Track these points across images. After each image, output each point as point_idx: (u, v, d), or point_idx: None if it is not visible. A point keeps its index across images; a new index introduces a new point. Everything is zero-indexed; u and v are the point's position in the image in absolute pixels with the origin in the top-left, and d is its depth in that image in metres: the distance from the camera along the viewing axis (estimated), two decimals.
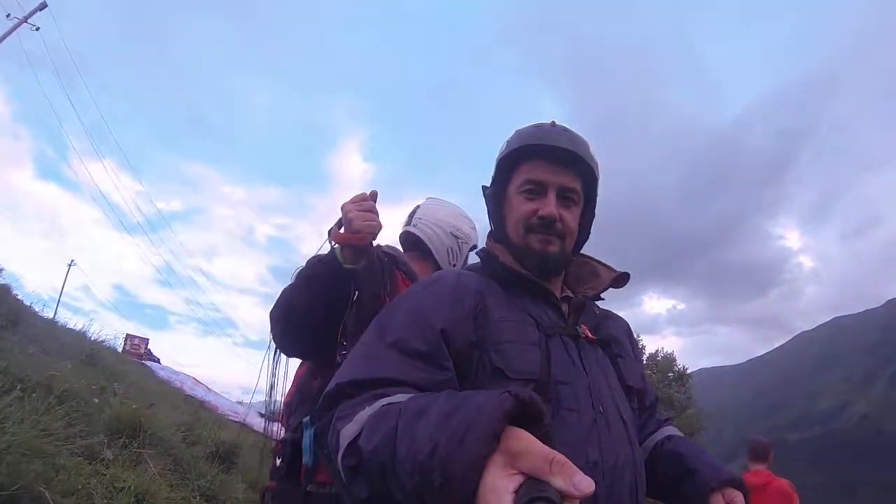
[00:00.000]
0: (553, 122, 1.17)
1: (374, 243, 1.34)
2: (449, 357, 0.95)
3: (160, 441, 5.65)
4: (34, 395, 4.36)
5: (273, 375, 1.54)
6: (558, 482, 0.51)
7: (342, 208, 1.32)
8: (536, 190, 1.12)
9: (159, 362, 19.40)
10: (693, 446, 1.22)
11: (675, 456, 1.18)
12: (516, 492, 0.52)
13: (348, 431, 0.76)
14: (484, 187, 1.24)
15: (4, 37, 13.44)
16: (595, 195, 1.20)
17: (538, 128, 1.15)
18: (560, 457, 0.53)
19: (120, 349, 16.73)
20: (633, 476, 1.01)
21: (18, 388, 4.14)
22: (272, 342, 1.46)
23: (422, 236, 1.71)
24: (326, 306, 1.29)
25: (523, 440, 0.56)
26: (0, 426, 3.15)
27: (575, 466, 0.52)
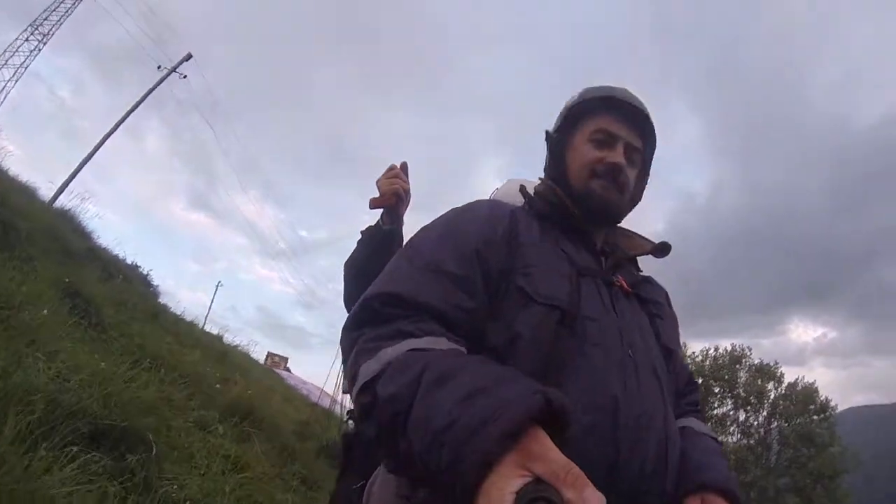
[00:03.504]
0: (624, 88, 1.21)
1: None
2: (481, 281, 0.93)
3: (271, 427, 6.04)
4: (162, 371, 4.90)
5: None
6: (569, 493, 0.52)
7: (376, 182, 1.60)
8: (606, 141, 1.14)
9: None
10: (699, 444, 1.06)
11: None
12: (518, 492, 0.53)
13: (368, 369, 0.75)
14: (547, 132, 1.24)
15: (156, 86, 15.66)
16: (650, 163, 1.23)
17: (611, 87, 1.18)
18: (576, 469, 0.54)
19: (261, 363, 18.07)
20: (664, 434, 0.93)
21: (148, 361, 4.68)
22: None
23: None
24: (377, 265, 1.44)
25: (543, 444, 0.56)
26: (126, 385, 3.56)
27: (588, 480, 0.53)
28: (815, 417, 20.83)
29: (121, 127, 14.53)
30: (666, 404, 0.97)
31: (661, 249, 1.18)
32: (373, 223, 1.62)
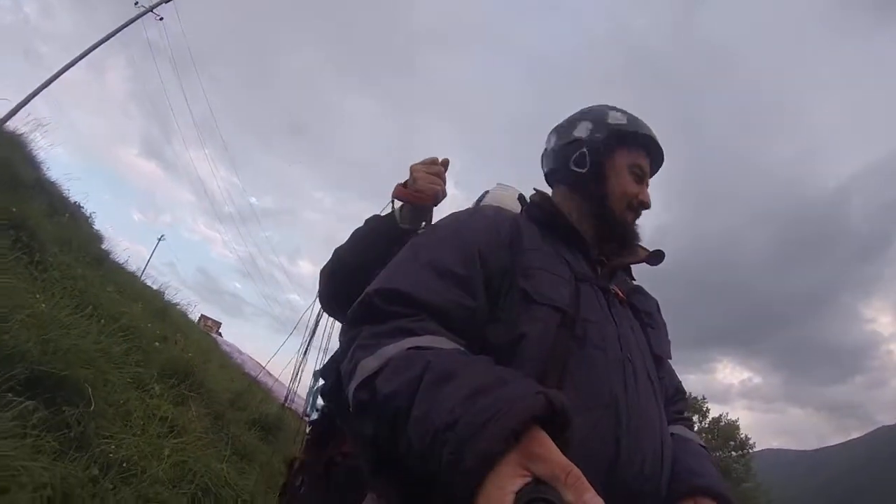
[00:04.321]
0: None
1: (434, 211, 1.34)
2: (482, 281, 0.93)
3: (207, 393, 5.89)
4: (102, 321, 4.66)
5: (312, 334, 1.70)
6: (569, 496, 0.51)
7: (411, 168, 1.33)
8: (640, 176, 1.19)
9: None
10: (688, 449, 1.08)
11: None
12: (518, 492, 0.52)
13: (368, 365, 0.74)
14: (585, 139, 1.18)
15: (131, 21, 14.72)
16: None
17: (648, 127, 1.21)
18: (576, 471, 0.53)
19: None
20: (660, 436, 0.95)
21: (90, 307, 4.44)
22: (317, 300, 1.46)
23: None
24: (376, 265, 1.20)
25: (544, 445, 0.56)
26: (66, 331, 3.36)
27: (588, 484, 0.52)
28: (733, 453, 22.01)
29: (83, 60, 13.71)
30: (660, 408, 1.00)
31: (656, 257, 1.21)
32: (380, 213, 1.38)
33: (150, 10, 15.17)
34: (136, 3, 15.09)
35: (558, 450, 0.56)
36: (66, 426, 2.43)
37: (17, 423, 1.95)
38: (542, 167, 1.30)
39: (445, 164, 1.37)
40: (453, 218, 1.09)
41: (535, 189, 1.25)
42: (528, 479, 0.53)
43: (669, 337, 1.24)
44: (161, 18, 15.70)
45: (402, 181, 1.33)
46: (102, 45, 13.95)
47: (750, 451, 22.64)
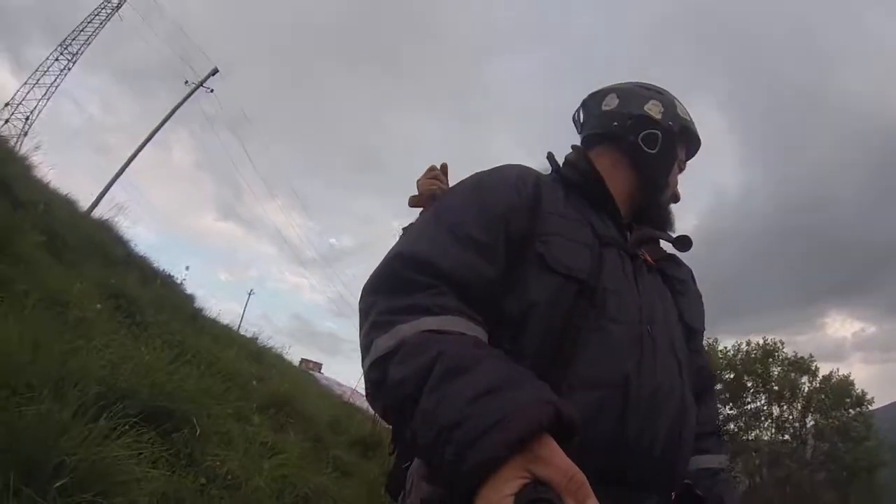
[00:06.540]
0: None
1: None
2: (503, 246, 0.90)
3: (306, 420, 6.28)
4: (201, 367, 5.19)
5: None
6: (569, 501, 0.52)
7: (417, 181, 1.65)
8: (680, 172, 1.23)
9: None
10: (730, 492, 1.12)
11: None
12: (518, 493, 0.53)
13: (382, 344, 0.74)
14: (671, 128, 1.15)
15: (184, 100, 16.22)
16: None
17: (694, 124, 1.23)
18: (579, 476, 0.53)
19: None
20: (679, 414, 0.91)
21: (189, 355, 4.96)
22: None
23: None
24: None
25: (549, 448, 0.56)
26: (169, 376, 3.83)
27: (591, 490, 0.53)
28: (850, 411, 20.18)
29: (150, 141, 15.05)
30: (684, 384, 0.95)
31: (683, 242, 1.17)
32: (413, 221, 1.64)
33: (200, 85, 16.45)
34: (186, 83, 16.46)
35: (563, 453, 0.56)
36: (176, 449, 2.81)
37: (134, 441, 2.32)
38: (584, 124, 1.24)
39: (444, 168, 1.67)
40: (475, 179, 1.03)
41: (572, 146, 1.21)
42: (528, 481, 0.54)
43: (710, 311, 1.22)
44: (211, 90, 17.02)
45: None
46: (164, 126, 15.28)
47: (868, 406, 20.57)
